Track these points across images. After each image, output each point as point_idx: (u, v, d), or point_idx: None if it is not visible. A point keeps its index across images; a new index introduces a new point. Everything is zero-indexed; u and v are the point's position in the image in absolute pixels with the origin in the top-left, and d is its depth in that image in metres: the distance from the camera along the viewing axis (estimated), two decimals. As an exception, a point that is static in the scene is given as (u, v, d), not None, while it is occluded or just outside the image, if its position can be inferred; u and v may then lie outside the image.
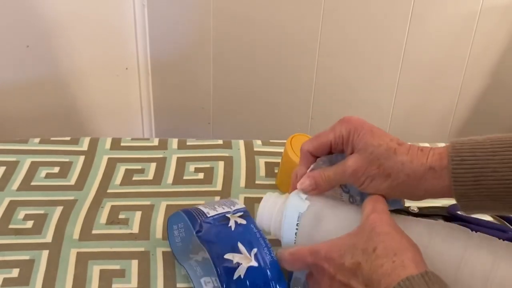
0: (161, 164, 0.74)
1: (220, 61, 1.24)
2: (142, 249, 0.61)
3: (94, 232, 0.63)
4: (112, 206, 0.66)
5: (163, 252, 0.61)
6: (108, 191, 0.69)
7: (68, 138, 0.77)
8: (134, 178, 0.71)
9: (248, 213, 0.55)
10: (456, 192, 0.48)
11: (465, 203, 0.49)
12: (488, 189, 0.47)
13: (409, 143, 0.51)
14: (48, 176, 0.71)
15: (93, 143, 0.77)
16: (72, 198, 0.67)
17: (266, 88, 1.29)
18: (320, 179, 0.53)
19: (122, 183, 0.70)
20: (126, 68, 1.17)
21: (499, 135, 0.49)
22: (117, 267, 0.59)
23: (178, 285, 0.57)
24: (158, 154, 0.75)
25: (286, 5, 1.19)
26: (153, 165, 0.73)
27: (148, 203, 0.67)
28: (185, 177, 0.72)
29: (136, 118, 1.24)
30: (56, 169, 0.72)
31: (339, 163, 0.53)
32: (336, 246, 0.47)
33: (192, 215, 0.54)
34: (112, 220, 0.65)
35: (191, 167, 0.74)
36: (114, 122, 1.21)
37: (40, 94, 1.10)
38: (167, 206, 0.67)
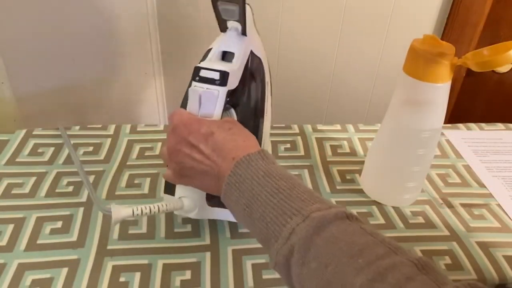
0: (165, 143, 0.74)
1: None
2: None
3: (117, 193, 0.64)
4: (130, 174, 0.67)
5: (166, 206, 0.62)
6: (127, 163, 0.70)
7: (100, 126, 0.78)
8: (145, 154, 0.72)
9: None
10: None
11: None
12: None
13: None
14: (84, 153, 0.72)
15: (117, 129, 0.77)
16: (101, 169, 0.68)
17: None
18: None
19: (137, 158, 0.71)
20: (145, 73, 1.17)
21: None
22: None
23: (175, 229, 0.59)
24: (163, 136, 0.76)
25: None
26: (159, 144, 0.74)
27: (155, 171, 0.68)
28: (183, 152, 0.72)
29: (154, 109, 1.24)
30: (90, 148, 0.73)
31: None
32: (197, 120, 0.46)
33: None
34: (130, 184, 0.66)
35: (187, 144, 0.74)
36: (139, 111, 1.21)
37: (82, 93, 1.11)
38: (169, 173, 0.68)
